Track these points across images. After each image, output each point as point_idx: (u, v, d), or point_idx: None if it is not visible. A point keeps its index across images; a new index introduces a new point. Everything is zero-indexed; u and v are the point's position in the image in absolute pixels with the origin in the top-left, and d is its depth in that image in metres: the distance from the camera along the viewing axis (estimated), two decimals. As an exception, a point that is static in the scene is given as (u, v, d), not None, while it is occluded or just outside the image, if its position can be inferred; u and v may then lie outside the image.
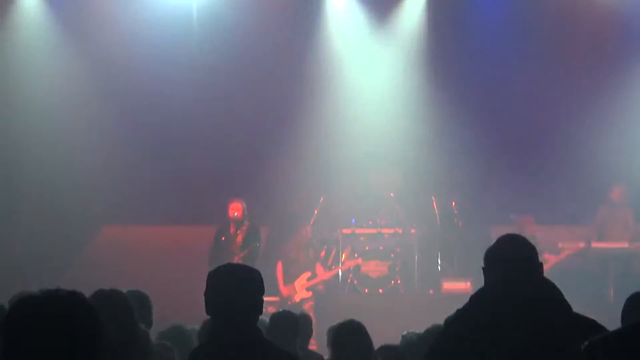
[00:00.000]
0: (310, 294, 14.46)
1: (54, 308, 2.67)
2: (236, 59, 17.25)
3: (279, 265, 14.70)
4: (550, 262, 14.20)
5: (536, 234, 14.33)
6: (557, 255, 14.62)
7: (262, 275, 4.59)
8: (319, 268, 14.93)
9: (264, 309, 4.56)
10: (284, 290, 14.46)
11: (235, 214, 14.00)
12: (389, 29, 17.81)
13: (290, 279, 14.49)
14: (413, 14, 17.65)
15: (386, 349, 7.07)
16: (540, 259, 12.22)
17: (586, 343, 2.75)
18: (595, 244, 14.88)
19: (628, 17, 17.23)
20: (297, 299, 14.27)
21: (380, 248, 15.68)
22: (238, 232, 13.97)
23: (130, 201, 16.39)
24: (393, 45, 17.80)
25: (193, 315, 5.23)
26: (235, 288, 4.32)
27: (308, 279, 14.60)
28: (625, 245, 14.63)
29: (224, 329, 4.31)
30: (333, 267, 15.84)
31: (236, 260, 13.43)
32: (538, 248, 12.17)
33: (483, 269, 4.19)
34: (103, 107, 16.64)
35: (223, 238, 14.00)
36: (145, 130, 17.09)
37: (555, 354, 3.64)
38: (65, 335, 2.63)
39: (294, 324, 7.54)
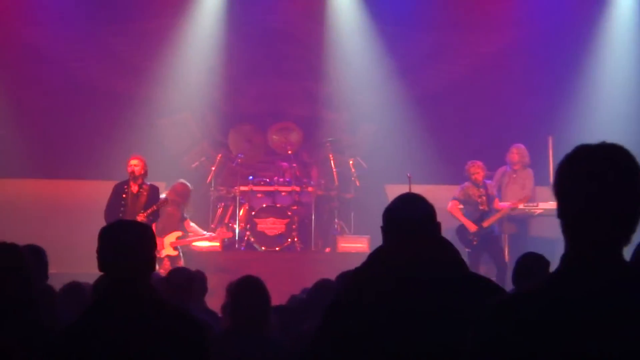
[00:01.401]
0: (176, 252, 14.28)
1: None
2: (132, 16, 17.23)
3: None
4: (496, 216, 14.38)
5: (483, 179, 14.54)
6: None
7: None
8: (188, 224, 14.79)
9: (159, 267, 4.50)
10: None
11: (134, 171, 13.79)
12: None
13: (159, 233, 14.26)
14: None
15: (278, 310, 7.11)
16: (495, 206, 12.43)
17: (479, 306, 2.75)
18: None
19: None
20: (161, 254, 14.09)
21: (277, 206, 15.67)
22: (141, 190, 13.77)
23: (30, 154, 16.19)
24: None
25: (90, 272, 5.15)
26: (128, 244, 4.26)
27: (178, 238, 14.47)
28: (520, 205, 14.83)
29: (117, 286, 4.25)
30: (230, 225, 15.82)
31: (140, 218, 13.28)
32: (491, 196, 12.38)
33: (381, 228, 4.17)
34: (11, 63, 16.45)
35: (124, 195, 13.78)
36: (46, 85, 16.98)
37: (452, 314, 3.66)
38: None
39: (188, 280, 7.52)
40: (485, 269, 14.23)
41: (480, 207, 14.34)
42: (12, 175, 15.88)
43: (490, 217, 14.37)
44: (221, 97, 17.91)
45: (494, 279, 12.37)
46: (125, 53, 17.56)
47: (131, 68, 17.52)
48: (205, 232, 14.96)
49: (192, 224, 14.85)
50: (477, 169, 14.55)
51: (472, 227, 14.27)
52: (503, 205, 14.66)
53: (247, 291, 6.24)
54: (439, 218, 4.26)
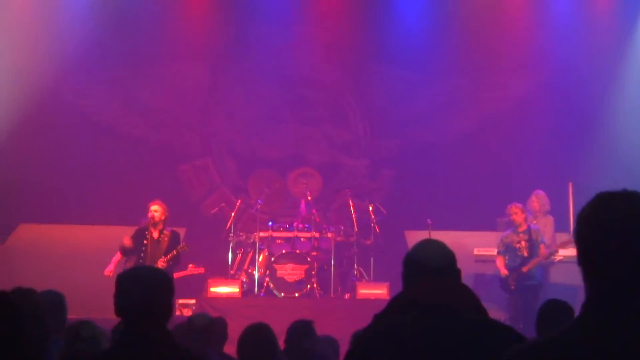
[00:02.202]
0: None
1: None
2: (152, 60, 17.39)
3: (117, 256, 14.35)
4: (534, 261, 14.16)
5: (529, 223, 14.34)
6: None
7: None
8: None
9: (179, 312, 4.50)
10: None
11: (154, 216, 13.79)
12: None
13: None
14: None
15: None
16: (540, 252, 12.12)
17: (501, 354, 2.72)
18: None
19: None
20: None
21: (297, 252, 15.63)
22: (161, 236, 13.76)
23: (49, 199, 16.25)
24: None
25: (109, 317, 5.13)
26: (144, 290, 4.24)
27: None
28: (543, 252, 14.69)
29: (133, 332, 4.23)
30: (249, 271, 15.81)
31: (161, 264, 13.28)
32: (536, 241, 12.10)
33: (401, 274, 4.14)
34: (22, 104, 16.50)
35: (145, 242, 13.77)
36: (64, 130, 17.08)
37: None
38: None
39: (209, 326, 7.50)
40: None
41: (519, 253, 14.13)
42: (32, 220, 15.92)
43: (531, 261, 14.15)
44: (241, 142, 17.97)
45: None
46: (145, 98, 17.66)
47: (151, 113, 17.62)
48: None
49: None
50: (514, 210, 14.46)
51: (503, 272, 14.07)
52: (544, 252, 14.38)
53: (253, 338, 6.23)
54: (460, 264, 4.23)
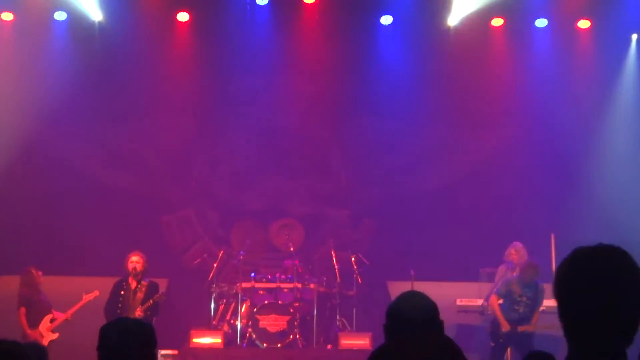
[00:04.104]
0: (56, 335, 14.22)
1: None
2: (135, 111, 17.47)
3: (22, 311, 14.43)
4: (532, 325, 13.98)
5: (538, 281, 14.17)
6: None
7: (161, 327, 4.52)
8: (55, 313, 14.69)
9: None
10: (31, 334, 14.10)
11: (136, 267, 13.78)
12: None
13: (34, 324, 14.29)
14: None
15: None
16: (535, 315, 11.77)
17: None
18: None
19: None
20: (45, 342, 14.03)
21: (279, 302, 15.61)
22: (138, 286, 13.75)
23: (28, 251, 16.18)
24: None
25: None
26: (127, 342, 4.25)
27: (51, 320, 14.42)
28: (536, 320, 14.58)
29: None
30: (232, 321, 15.77)
31: (138, 313, 13.27)
32: (538, 301, 11.84)
33: (384, 326, 4.16)
34: (3, 155, 16.55)
35: (122, 292, 13.76)
36: (45, 180, 17.08)
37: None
38: None
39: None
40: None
41: (516, 307, 13.92)
42: (10, 272, 15.82)
43: (529, 323, 13.97)
44: (224, 193, 17.99)
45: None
46: (128, 149, 17.68)
47: (134, 164, 17.63)
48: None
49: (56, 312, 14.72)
50: (510, 250, 14.47)
51: (505, 327, 13.86)
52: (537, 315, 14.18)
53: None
54: (442, 315, 4.25)
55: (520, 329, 13.83)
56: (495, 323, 13.97)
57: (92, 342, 4.44)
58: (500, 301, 14.00)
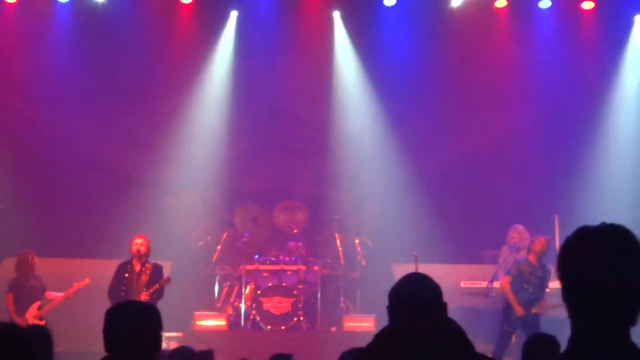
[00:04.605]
0: (43, 322, 14.01)
1: None
2: (139, 94, 17.45)
3: (9, 297, 14.39)
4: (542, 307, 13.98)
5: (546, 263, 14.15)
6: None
7: (166, 310, 4.53)
8: (48, 294, 14.63)
9: (166, 344, 4.50)
10: (17, 321, 13.63)
11: (140, 250, 13.79)
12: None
13: (22, 311, 14.19)
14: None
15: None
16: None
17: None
18: (497, 284, 14.88)
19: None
20: None
21: (283, 285, 15.63)
22: (143, 269, 13.75)
23: (33, 234, 16.16)
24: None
25: (96, 351, 5.12)
26: (133, 325, 4.26)
27: (38, 308, 14.36)
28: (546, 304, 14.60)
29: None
30: (236, 304, 15.79)
31: (143, 297, 13.27)
32: (545, 283, 11.82)
33: (387, 307, 4.16)
34: (9, 142, 16.56)
35: (127, 275, 13.76)
36: (49, 163, 17.08)
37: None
38: None
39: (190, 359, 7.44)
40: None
41: (526, 287, 13.89)
42: (12, 254, 15.81)
43: (539, 303, 14.04)
44: (227, 175, 17.96)
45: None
46: (132, 132, 17.66)
47: (138, 146, 17.61)
48: (60, 293, 14.69)
49: (51, 292, 14.65)
50: (512, 234, 14.46)
51: (519, 311, 13.85)
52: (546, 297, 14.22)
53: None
54: (446, 297, 4.25)
55: (534, 310, 13.84)
56: (508, 308, 13.88)
57: (88, 325, 4.44)
58: (512, 281, 13.94)
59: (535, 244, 13.94)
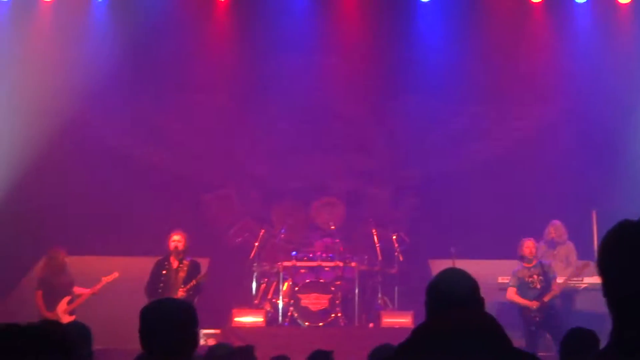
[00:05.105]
0: (73, 317, 14.03)
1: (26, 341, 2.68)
2: (175, 91, 17.52)
3: (39, 294, 14.46)
4: (554, 291, 14.18)
5: (539, 258, 14.34)
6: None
7: (203, 307, 4.54)
8: (77, 289, 14.68)
9: (204, 341, 4.51)
10: (48, 317, 13.81)
11: (177, 246, 13.83)
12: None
13: (52, 306, 14.30)
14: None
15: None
16: (553, 286, 12.10)
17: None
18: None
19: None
20: None
21: (321, 281, 15.64)
22: (180, 265, 13.80)
23: (71, 231, 16.28)
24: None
25: (134, 348, 5.13)
26: (169, 323, 4.26)
27: (68, 303, 14.41)
28: (564, 279, 14.72)
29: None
30: (273, 300, 15.82)
31: (180, 293, 13.32)
32: (549, 275, 12.10)
33: (425, 303, 4.15)
34: (45, 136, 16.63)
35: (164, 271, 13.81)
36: (86, 160, 17.17)
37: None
38: None
39: (229, 357, 7.43)
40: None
41: (532, 286, 14.13)
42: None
43: (549, 292, 14.19)
44: (264, 172, 17.99)
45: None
46: (168, 128, 17.73)
47: (174, 143, 17.67)
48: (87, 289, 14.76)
49: (79, 287, 14.72)
50: (528, 244, 14.50)
51: (533, 304, 14.02)
52: (559, 283, 14.39)
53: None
54: (483, 293, 4.24)
55: (546, 298, 14.04)
56: (523, 311, 14.10)
57: (121, 323, 4.45)
58: (517, 290, 14.21)
59: (523, 249, 14.25)
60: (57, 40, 17.21)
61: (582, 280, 14.91)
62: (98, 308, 14.55)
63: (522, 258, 14.36)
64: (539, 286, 14.16)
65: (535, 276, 14.19)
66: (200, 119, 17.67)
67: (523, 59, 17.69)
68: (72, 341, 2.97)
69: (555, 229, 15.39)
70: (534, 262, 14.32)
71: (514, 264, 15.33)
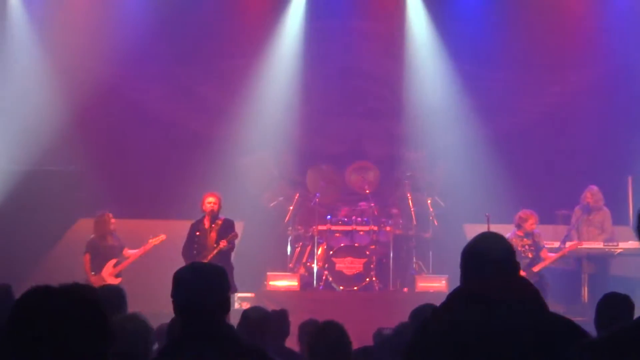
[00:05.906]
0: (119, 280, 14.02)
1: (62, 301, 2.69)
2: (209, 55, 17.52)
3: (87, 257, 14.45)
4: (548, 260, 14.25)
5: (534, 229, 14.34)
6: (555, 253, 14.59)
7: (238, 271, 4.54)
8: (126, 252, 14.69)
9: (239, 305, 4.51)
10: (93, 280, 13.93)
11: (213, 209, 13.85)
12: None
13: (98, 269, 14.29)
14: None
15: (363, 352, 7.06)
16: (543, 255, 12.19)
17: (573, 346, 2.68)
18: (569, 244, 14.81)
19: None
20: None
21: (356, 245, 15.64)
22: (212, 225, 13.82)
23: (107, 195, 16.33)
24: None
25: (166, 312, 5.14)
26: (200, 286, 4.26)
27: (114, 266, 14.41)
28: (600, 245, 14.67)
29: (192, 328, 4.25)
30: (308, 264, 15.85)
31: (222, 245, 13.37)
32: (539, 244, 12.16)
33: (460, 266, 4.12)
34: (81, 101, 16.70)
35: (198, 233, 13.85)
36: (122, 125, 17.25)
37: (535, 355, 3.59)
38: (73, 327, 2.67)
39: (263, 320, 7.39)
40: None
41: (523, 255, 14.13)
42: (90, 215, 16.02)
43: (539, 262, 14.22)
44: (299, 136, 17.95)
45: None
46: (204, 92, 17.75)
47: (210, 107, 17.69)
48: (135, 250, 14.75)
49: (129, 250, 14.73)
50: (586, 194, 14.54)
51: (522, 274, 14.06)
52: (551, 255, 14.43)
53: (328, 339, 6.23)
54: (517, 257, 4.21)
55: (535, 268, 14.24)
56: None
57: (162, 286, 4.44)
58: None
59: (527, 223, 14.35)
60: (93, 5, 17.24)
61: (617, 245, 14.86)
62: (137, 271, 14.64)
63: (519, 227, 14.33)
64: (530, 255, 14.26)
65: (527, 245, 14.29)
66: (236, 83, 17.63)
67: (560, 25, 17.52)
68: (102, 303, 2.98)
69: (592, 194, 15.29)
70: (525, 232, 14.40)
71: (549, 229, 15.32)
